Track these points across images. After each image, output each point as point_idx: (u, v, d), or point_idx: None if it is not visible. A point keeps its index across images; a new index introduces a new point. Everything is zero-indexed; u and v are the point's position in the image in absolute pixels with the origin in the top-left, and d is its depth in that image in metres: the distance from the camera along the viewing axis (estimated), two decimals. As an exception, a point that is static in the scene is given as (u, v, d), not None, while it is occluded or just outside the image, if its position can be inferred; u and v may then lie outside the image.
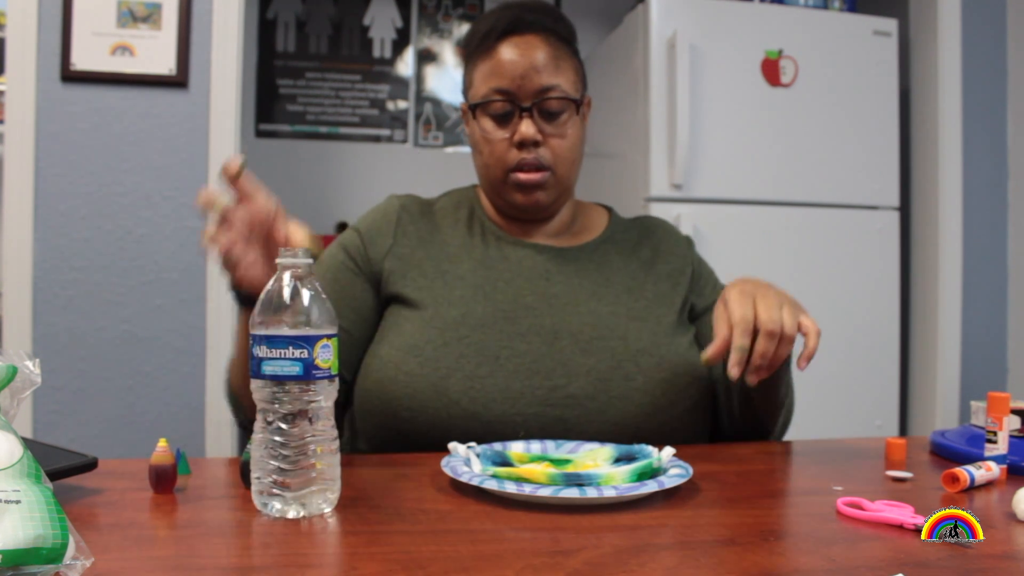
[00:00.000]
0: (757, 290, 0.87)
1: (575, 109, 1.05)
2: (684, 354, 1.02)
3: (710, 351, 0.86)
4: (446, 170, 2.98)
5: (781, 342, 0.84)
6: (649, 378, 0.98)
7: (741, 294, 0.87)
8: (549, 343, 0.98)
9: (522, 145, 1.01)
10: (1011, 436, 0.85)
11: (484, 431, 0.93)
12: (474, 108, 1.04)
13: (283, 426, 0.66)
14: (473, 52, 1.06)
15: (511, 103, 1.01)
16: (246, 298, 0.84)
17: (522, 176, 1.02)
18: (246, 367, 0.86)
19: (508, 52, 1.02)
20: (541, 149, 1.02)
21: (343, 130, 2.95)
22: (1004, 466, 0.82)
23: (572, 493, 0.68)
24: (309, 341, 0.66)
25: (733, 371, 0.83)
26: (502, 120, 1.03)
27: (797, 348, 0.89)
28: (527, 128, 1.00)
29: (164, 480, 0.72)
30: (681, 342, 1.04)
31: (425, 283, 1.02)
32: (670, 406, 0.98)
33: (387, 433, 0.96)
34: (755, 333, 0.85)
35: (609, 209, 1.19)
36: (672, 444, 0.98)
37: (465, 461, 0.79)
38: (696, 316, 1.11)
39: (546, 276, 1.05)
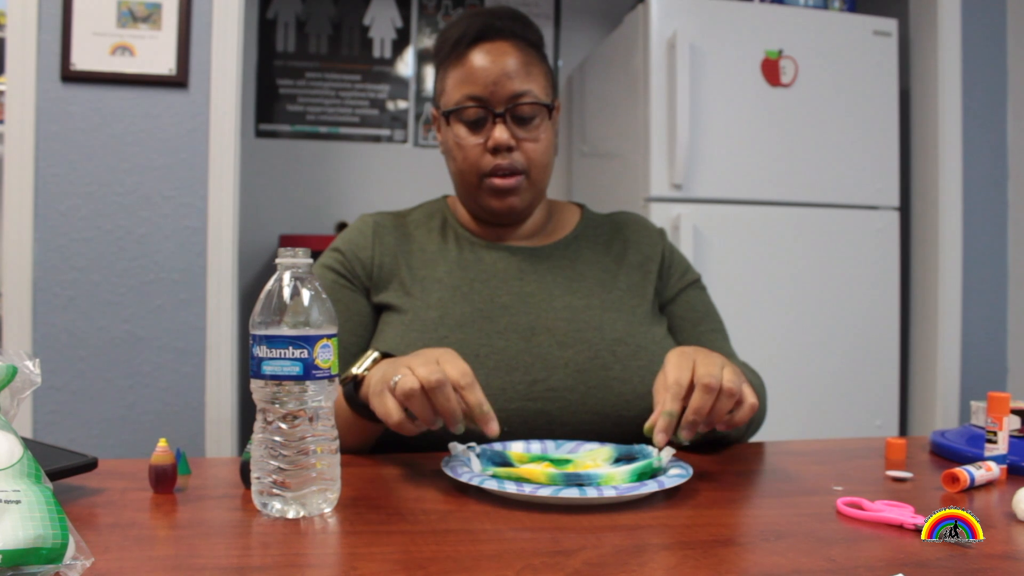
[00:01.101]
0: (698, 353, 0.82)
1: (547, 114, 1.06)
2: (660, 342, 1.03)
3: (649, 422, 0.80)
4: (446, 170, 2.98)
5: (720, 397, 0.77)
6: (626, 367, 0.99)
7: (681, 356, 0.82)
8: (527, 339, 1.00)
9: (496, 150, 1.03)
10: (1011, 436, 0.85)
11: (467, 428, 0.93)
12: (447, 115, 1.06)
13: (283, 426, 0.66)
14: (444, 59, 1.07)
15: (484, 109, 1.03)
16: (368, 409, 0.83)
17: (497, 181, 1.04)
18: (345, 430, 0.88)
19: (480, 59, 1.03)
20: (515, 154, 1.03)
21: (343, 130, 2.95)
22: (1004, 466, 0.82)
23: (572, 493, 0.68)
24: (309, 341, 0.66)
25: (658, 437, 0.77)
26: (475, 126, 1.04)
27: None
28: (500, 133, 1.02)
29: (164, 480, 0.72)
30: (656, 331, 1.05)
31: (404, 290, 1.05)
32: (648, 394, 0.99)
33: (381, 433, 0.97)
34: (691, 390, 0.79)
35: (581, 206, 1.21)
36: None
37: (465, 461, 0.79)
38: (663, 305, 1.12)
39: (519, 276, 1.07)
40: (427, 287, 1.04)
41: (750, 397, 0.80)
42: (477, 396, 0.74)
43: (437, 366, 0.74)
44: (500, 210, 1.06)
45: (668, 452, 0.79)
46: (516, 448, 0.86)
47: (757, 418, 1.04)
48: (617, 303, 1.06)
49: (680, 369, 0.79)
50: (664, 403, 0.78)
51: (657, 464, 0.76)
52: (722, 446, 1.01)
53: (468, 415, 0.75)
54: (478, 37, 1.04)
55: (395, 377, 0.74)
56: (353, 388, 0.85)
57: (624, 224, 1.18)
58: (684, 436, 0.78)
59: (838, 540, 0.62)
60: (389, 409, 0.75)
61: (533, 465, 0.77)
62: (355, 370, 0.85)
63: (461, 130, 1.05)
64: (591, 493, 0.68)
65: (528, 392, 0.96)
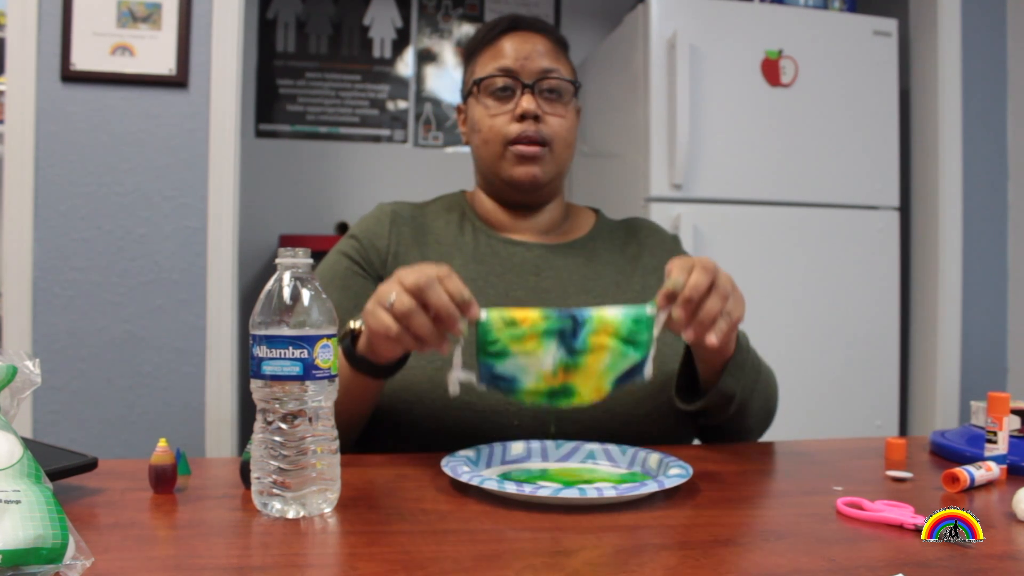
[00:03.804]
0: (698, 260, 0.83)
1: (572, 93, 1.10)
2: (672, 344, 1.03)
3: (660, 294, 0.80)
4: (446, 170, 2.98)
5: (713, 292, 0.78)
6: None
7: (682, 258, 0.82)
8: None
9: (523, 118, 1.05)
10: (1011, 436, 0.85)
11: (478, 420, 0.95)
12: (478, 84, 1.08)
13: (283, 426, 0.66)
14: (476, 48, 1.12)
15: (514, 79, 1.06)
16: (366, 362, 0.84)
17: (521, 147, 1.06)
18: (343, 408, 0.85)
19: (511, 41, 1.08)
20: (541, 125, 1.06)
21: (343, 130, 2.95)
22: (1004, 466, 0.82)
23: (572, 493, 0.68)
24: (309, 341, 0.66)
25: (659, 297, 0.78)
26: (503, 98, 1.07)
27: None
28: (528, 102, 1.05)
29: (164, 480, 0.72)
30: (669, 333, 1.05)
31: None
32: (659, 392, 1.00)
33: (384, 425, 0.98)
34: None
35: (596, 211, 1.22)
36: (662, 431, 0.99)
37: (466, 460, 0.79)
38: None
39: (536, 271, 1.07)
40: None
41: (737, 311, 0.80)
42: (456, 284, 0.76)
43: (421, 271, 0.75)
44: (522, 179, 1.07)
45: (661, 316, 0.78)
46: (516, 446, 0.86)
47: (767, 408, 1.03)
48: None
49: (684, 260, 0.80)
50: (671, 274, 0.78)
51: (650, 312, 0.77)
52: (728, 438, 1.02)
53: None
54: (509, 28, 1.09)
55: (390, 298, 0.76)
56: (351, 343, 0.86)
57: (638, 228, 1.19)
58: (676, 316, 0.77)
59: (838, 540, 0.62)
60: (387, 324, 0.76)
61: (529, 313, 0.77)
62: (353, 324, 0.86)
63: (489, 101, 1.08)
64: (591, 493, 0.68)
65: None
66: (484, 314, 0.76)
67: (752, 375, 0.96)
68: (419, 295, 0.75)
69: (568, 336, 0.76)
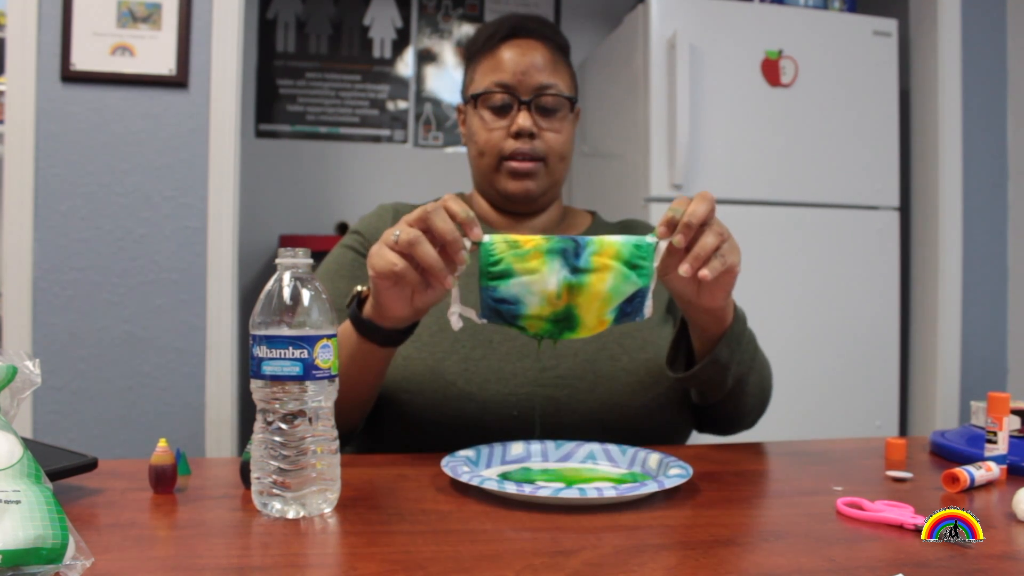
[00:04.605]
0: (698, 193, 0.83)
1: (570, 108, 1.10)
2: (668, 339, 1.03)
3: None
4: (446, 170, 2.98)
5: (709, 229, 0.78)
6: (633, 358, 1.01)
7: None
8: None
9: (518, 135, 1.06)
10: (1011, 436, 0.85)
11: (479, 410, 0.95)
12: (476, 97, 1.09)
13: (283, 426, 0.66)
14: (476, 53, 1.12)
15: (511, 95, 1.07)
16: (372, 326, 0.84)
17: (515, 164, 1.07)
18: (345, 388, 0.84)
19: (509, 52, 1.08)
20: (536, 141, 1.07)
21: (343, 130, 2.95)
22: (1004, 466, 0.82)
23: (572, 493, 0.68)
24: (309, 341, 0.66)
25: (660, 230, 0.78)
26: (500, 112, 1.08)
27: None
28: (524, 120, 1.05)
29: (164, 480, 0.72)
30: (665, 330, 1.06)
31: None
32: (655, 384, 1.00)
33: (386, 417, 0.98)
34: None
35: (593, 213, 1.23)
36: (658, 424, 1.00)
37: (466, 461, 0.79)
38: (670, 306, 1.13)
39: None
40: None
41: (732, 256, 0.81)
42: (460, 204, 0.77)
43: (424, 206, 0.77)
44: (516, 192, 1.08)
45: (662, 245, 0.78)
46: (516, 446, 0.86)
47: (763, 388, 1.03)
48: None
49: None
50: (671, 207, 0.79)
51: (651, 240, 0.77)
52: (725, 421, 1.03)
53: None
54: (510, 34, 1.09)
55: (395, 234, 0.77)
56: (357, 306, 0.86)
57: (634, 229, 1.19)
58: (677, 241, 0.77)
59: (838, 540, 0.62)
60: (392, 260, 0.77)
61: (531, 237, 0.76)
62: (359, 287, 0.87)
63: (486, 114, 1.09)
64: (591, 493, 0.68)
65: (539, 378, 0.98)
66: (487, 237, 0.76)
67: (750, 351, 0.96)
68: (424, 224, 0.75)
69: (571, 256, 0.75)
